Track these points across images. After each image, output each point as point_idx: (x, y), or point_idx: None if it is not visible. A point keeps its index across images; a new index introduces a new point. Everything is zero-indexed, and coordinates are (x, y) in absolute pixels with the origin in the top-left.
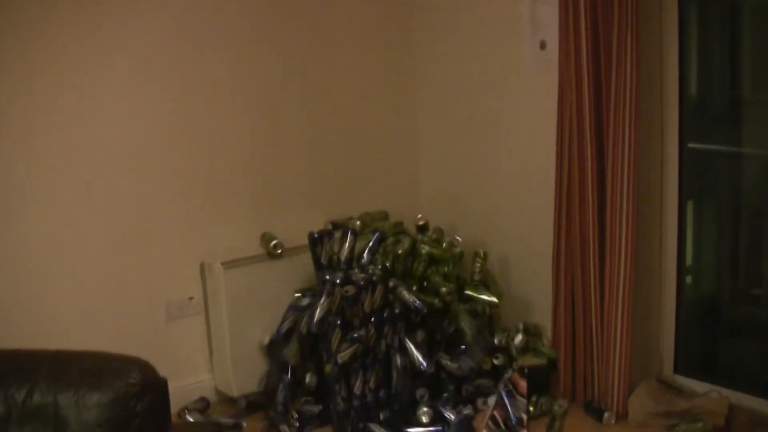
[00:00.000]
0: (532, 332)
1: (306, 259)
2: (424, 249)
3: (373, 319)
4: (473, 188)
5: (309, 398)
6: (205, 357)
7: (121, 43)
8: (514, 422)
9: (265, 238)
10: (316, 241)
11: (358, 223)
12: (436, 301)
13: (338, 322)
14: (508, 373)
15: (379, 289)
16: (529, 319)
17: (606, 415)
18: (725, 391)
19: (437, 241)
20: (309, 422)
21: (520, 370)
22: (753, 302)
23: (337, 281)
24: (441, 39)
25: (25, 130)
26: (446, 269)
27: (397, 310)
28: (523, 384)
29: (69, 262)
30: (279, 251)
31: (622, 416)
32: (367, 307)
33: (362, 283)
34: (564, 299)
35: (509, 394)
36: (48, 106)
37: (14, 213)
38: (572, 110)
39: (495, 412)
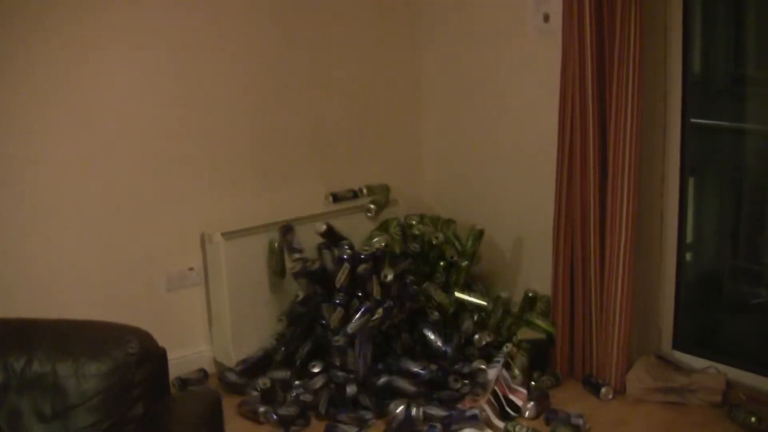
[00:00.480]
0: (529, 303)
1: (307, 231)
2: (439, 238)
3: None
4: (475, 160)
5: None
6: (205, 328)
7: (123, 14)
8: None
9: (274, 258)
10: (287, 230)
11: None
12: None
13: (338, 300)
14: (507, 348)
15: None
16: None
17: (603, 389)
18: (723, 368)
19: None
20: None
21: (519, 346)
22: (752, 279)
23: (344, 257)
24: (444, 12)
25: (25, 100)
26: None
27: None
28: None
29: (69, 231)
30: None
31: (619, 391)
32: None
33: (364, 256)
34: (563, 273)
35: (509, 369)
36: (48, 76)
37: (14, 183)
38: (575, 83)
39: (496, 387)
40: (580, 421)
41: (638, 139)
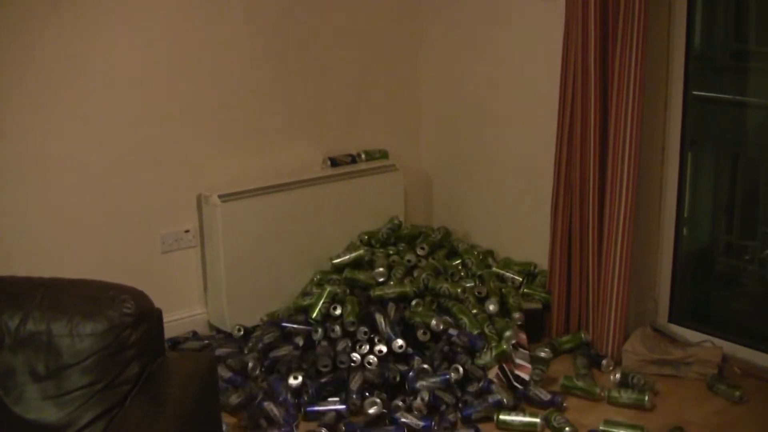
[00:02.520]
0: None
1: (303, 194)
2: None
3: None
4: (474, 127)
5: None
6: (200, 290)
7: None
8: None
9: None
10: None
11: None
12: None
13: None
14: (510, 323)
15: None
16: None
17: (605, 362)
18: (718, 341)
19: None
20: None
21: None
22: (749, 254)
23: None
24: None
25: (22, 59)
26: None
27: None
28: (522, 336)
29: (65, 191)
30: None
31: (615, 362)
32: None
33: None
34: (561, 244)
35: (513, 347)
36: (45, 35)
37: (10, 141)
38: (577, 52)
39: (503, 363)
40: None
41: (640, 110)
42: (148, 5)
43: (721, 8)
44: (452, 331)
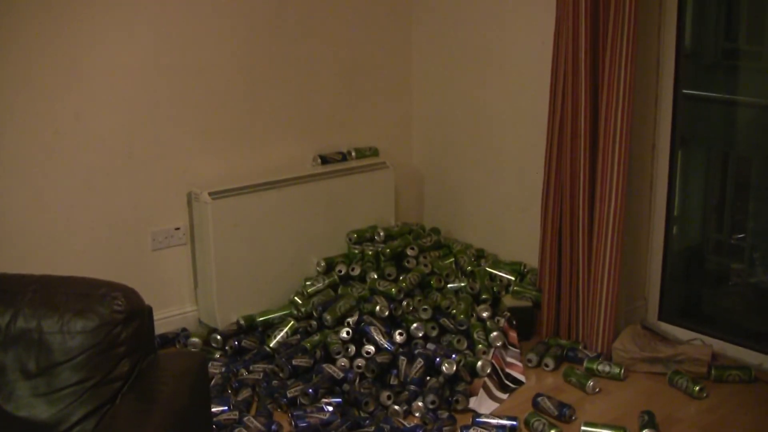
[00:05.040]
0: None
1: (293, 192)
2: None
3: None
4: (465, 124)
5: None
6: (190, 288)
7: None
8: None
9: None
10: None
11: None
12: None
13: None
14: (500, 322)
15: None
16: (517, 261)
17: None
18: (708, 339)
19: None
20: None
21: (509, 321)
22: (738, 252)
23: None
24: None
25: (13, 55)
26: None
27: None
28: (513, 334)
29: (56, 187)
30: None
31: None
32: None
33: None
34: (551, 241)
35: (502, 345)
36: (38, 32)
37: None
38: (568, 48)
39: (492, 361)
40: (566, 411)
41: (630, 108)
42: (138, 5)
43: (712, 6)
44: (430, 346)
